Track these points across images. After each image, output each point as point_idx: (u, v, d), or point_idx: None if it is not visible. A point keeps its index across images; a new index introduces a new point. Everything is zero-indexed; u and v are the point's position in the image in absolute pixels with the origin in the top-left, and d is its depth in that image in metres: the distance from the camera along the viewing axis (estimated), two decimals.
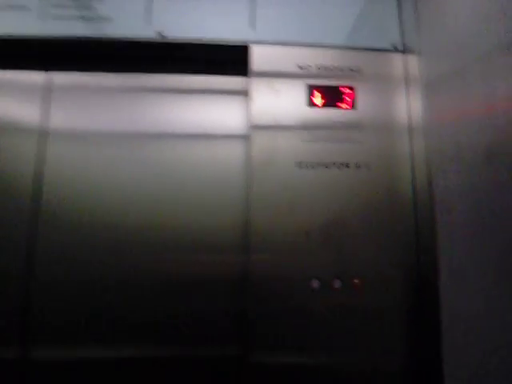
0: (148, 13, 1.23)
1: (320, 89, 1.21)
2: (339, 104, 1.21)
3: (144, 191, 1.21)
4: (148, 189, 1.21)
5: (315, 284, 1.10)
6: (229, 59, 1.26)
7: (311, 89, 1.21)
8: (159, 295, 1.15)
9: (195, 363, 1.14)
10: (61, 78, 1.27)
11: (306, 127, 1.18)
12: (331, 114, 1.20)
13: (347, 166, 1.17)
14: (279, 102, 1.20)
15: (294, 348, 1.09)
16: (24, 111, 1.24)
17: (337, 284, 1.11)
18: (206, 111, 1.26)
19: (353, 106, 1.21)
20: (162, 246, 1.17)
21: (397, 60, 1.26)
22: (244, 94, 1.25)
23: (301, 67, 1.22)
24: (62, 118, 1.25)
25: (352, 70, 1.24)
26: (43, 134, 1.22)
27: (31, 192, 1.18)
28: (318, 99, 1.21)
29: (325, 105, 1.21)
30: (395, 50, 1.27)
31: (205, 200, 1.20)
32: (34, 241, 1.16)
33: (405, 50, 1.27)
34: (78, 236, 1.16)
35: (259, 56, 1.22)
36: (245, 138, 1.22)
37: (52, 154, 1.21)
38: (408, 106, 1.22)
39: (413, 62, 1.23)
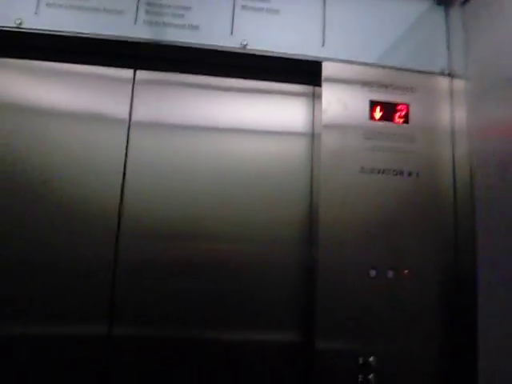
0: (232, 25, 1.38)
1: (380, 104, 1.39)
2: (395, 118, 1.39)
3: (216, 184, 1.37)
4: (220, 183, 1.37)
5: (373, 273, 1.29)
6: (301, 70, 1.42)
7: (372, 104, 1.39)
8: (232, 282, 1.32)
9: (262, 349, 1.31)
10: (145, 75, 1.41)
11: (367, 137, 1.36)
12: (389, 126, 1.38)
13: (401, 173, 1.36)
14: (345, 112, 1.37)
15: (353, 334, 1.27)
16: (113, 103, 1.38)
17: (390, 274, 1.30)
18: (279, 112, 1.43)
19: (406, 120, 1.40)
20: (239, 238, 1.34)
21: (444, 82, 1.45)
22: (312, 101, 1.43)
23: (364, 83, 1.40)
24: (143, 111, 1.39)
25: (407, 88, 1.42)
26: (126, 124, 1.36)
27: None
28: (377, 113, 1.39)
29: (383, 118, 1.39)
30: (443, 74, 1.46)
31: (275, 193, 1.37)
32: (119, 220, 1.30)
33: (451, 75, 1.46)
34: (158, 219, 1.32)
35: (329, 71, 1.39)
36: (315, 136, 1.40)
37: (133, 143, 1.36)
38: (453, 123, 1.42)
39: (458, 84, 1.42)
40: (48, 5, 1.35)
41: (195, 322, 1.29)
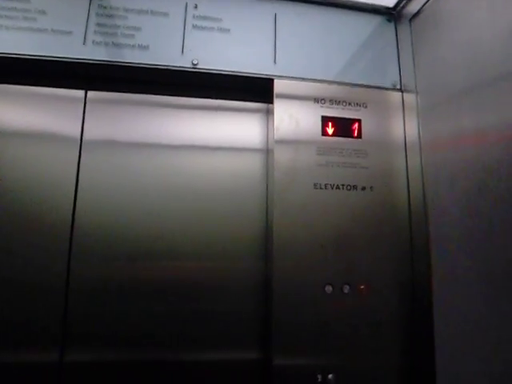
0: (182, 44, 1.38)
1: (332, 120, 1.40)
2: (348, 133, 1.40)
3: (170, 202, 1.36)
4: (174, 200, 1.36)
5: (329, 289, 1.28)
6: (253, 88, 1.43)
7: (325, 119, 1.40)
8: (187, 301, 1.30)
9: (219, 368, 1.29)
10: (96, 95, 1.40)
11: (320, 153, 1.37)
12: (341, 142, 1.39)
13: (355, 187, 1.37)
14: (298, 128, 1.38)
15: (311, 350, 1.26)
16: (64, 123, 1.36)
17: (346, 289, 1.30)
18: (232, 129, 1.43)
19: (359, 135, 1.41)
20: (194, 256, 1.33)
21: (396, 97, 1.48)
22: (266, 118, 1.44)
23: (316, 100, 1.41)
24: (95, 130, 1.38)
25: (359, 104, 1.44)
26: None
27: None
28: (330, 129, 1.40)
29: (336, 134, 1.40)
30: (394, 88, 1.48)
31: (230, 209, 1.37)
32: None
33: (402, 89, 1.48)
34: (117, 237, 1.29)
35: (281, 88, 1.40)
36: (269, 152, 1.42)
37: (84, 160, 1.34)
38: (405, 136, 1.44)
39: (409, 99, 1.45)
40: None
41: (151, 342, 1.26)
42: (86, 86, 1.39)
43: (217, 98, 1.46)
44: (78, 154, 1.34)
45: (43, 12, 1.36)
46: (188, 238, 1.33)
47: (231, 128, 1.45)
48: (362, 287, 1.30)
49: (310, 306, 1.26)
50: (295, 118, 1.37)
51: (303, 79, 1.42)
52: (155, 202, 1.34)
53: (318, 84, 1.43)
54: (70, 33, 1.34)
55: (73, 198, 1.31)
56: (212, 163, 1.40)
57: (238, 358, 1.30)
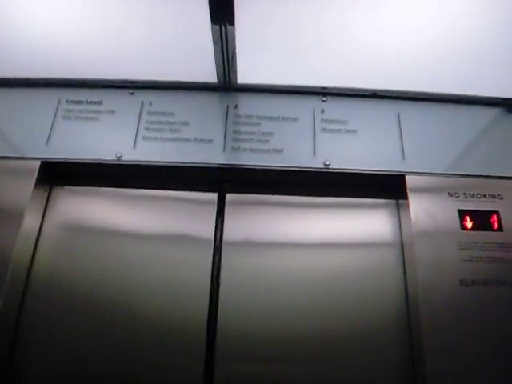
0: (313, 146, 1.46)
1: (470, 213, 1.37)
2: (487, 226, 1.36)
3: (308, 300, 1.35)
4: (311, 298, 1.34)
5: None
6: (383, 184, 1.45)
7: (462, 213, 1.37)
8: None
9: None
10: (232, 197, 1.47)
11: (462, 247, 1.32)
12: (482, 235, 1.35)
13: (504, 283, 1.29)
14: (435, 222, 1.35)
15: None
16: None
17: None
18: (364, 225, 1.45)
19: (499, 227, 1.36)
20: (338, 357, 1.28)
21: None
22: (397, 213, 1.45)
23: (450, 194, 1.40)
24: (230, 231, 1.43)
25: (494, 196, 1.41)
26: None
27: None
28: (469, 223, 1.36)
29: (475, 227, 1.36)
30: None
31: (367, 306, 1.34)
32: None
33: None
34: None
35: (414, 183, 1.41)
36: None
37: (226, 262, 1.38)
38: None
39: None
40: (144, 138, 1.48)
41: None
42: (222, 188, 1.48)
43: (347, 196, 1.49)
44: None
45: (186, 123, 1.50)
46: (329, 338, 1.30)
47: (362, 224, 1.46)
48: None
49: None
50: (432, 213, 1.37)
51: (434, 174, 1.43)
52: (292, 300, 1.34)
53: (449, 178, 1.43)
54: (210, 141, 1.47)
55: (208, 300, 1.33)
56: (348, 260, 1.40)
57: None
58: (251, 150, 1.47)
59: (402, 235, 1.43)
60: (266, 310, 1.33)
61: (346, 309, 1.35)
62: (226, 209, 1.46)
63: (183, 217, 1.46)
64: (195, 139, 1.49)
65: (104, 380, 1.26)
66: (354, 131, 1.50)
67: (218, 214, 1.47)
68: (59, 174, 1.49)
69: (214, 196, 1.50)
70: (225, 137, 1.49)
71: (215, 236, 1.43)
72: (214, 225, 1.45)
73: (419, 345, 1.24)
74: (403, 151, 1.47)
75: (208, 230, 1.43)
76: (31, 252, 1.37)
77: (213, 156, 1.45)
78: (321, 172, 1.44)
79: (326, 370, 1.29)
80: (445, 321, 1.25)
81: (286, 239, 1.42)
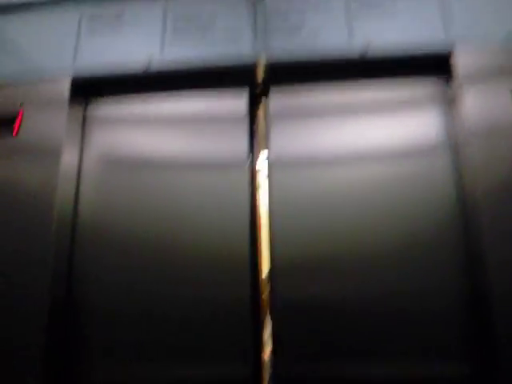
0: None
1: None
2: None
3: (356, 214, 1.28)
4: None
5: None
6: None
7: None
8: None
9: None
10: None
11: None
12: None
13: None
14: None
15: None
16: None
17: None
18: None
19: None
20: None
21: None
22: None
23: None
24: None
25: None
26: None
27: None
28: None
29: None
30: None
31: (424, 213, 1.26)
32: None
33: None
34: None
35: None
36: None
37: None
38: None
39: None
40: (172, 42, 1.43)
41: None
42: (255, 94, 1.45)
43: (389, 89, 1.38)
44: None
45: (213, 22, 1.44)
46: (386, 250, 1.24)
47: (410, 124, 1.35)
48: None
49: None
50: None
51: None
52: (344, 215, 1.27)
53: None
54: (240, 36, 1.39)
55: (248, 222, 1.29)
56: (400, 165, 1.30)
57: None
58: (283, 39, 1.38)
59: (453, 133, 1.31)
60: (316, 228, 1.26)
61: (402, 218, 1.25)
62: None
63: (217, 135, 1.40)
64: (224, 37, 1.41)
65: (157, 309, 1.25)
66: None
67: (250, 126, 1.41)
68: (90, 92, 1.47)
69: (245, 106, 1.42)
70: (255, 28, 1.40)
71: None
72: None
73: (479, 254, 1.16)
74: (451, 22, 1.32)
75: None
76: (75, 184, 1.38)
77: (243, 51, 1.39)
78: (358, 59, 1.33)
79: (387, 280, 1.21)
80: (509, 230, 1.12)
81: (330, 151, 1.35)
